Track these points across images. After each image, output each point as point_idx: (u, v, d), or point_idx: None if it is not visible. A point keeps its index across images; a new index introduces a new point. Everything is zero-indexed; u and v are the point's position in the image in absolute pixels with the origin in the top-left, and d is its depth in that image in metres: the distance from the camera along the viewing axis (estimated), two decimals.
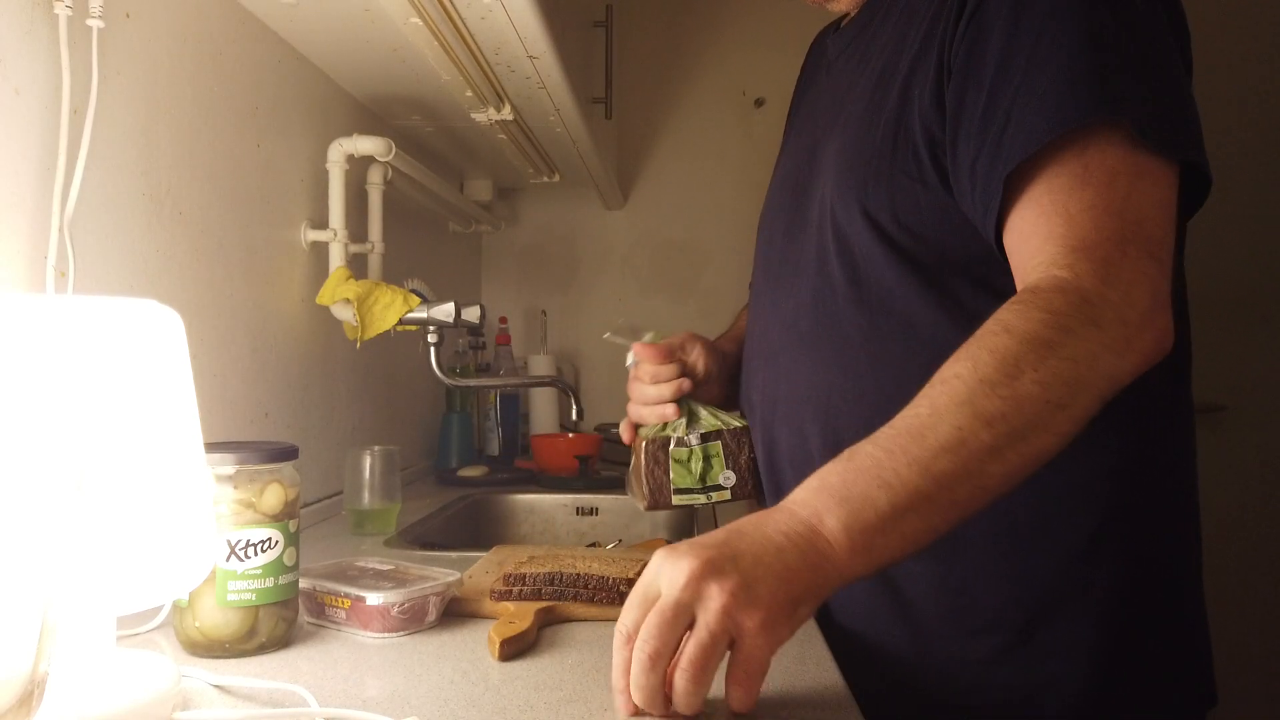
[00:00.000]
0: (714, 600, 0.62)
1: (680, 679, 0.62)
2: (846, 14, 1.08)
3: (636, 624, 0.64)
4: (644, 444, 1.08)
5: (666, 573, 0.63)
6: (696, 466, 1.06)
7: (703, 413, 1.08)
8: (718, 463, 1.06)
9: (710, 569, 0.62)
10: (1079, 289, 0.71)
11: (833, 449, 0.88)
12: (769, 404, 1.01)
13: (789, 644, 0.87)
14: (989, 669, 0.87)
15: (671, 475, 1.07)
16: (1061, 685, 0.86)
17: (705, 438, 1.06)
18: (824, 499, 0.66)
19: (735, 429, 1.06)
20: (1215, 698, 0.92)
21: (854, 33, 1.01)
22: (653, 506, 1.08)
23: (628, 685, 0.64)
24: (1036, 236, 0.76)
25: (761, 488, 1.05)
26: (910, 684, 0.90)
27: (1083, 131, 0.75)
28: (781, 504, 0.69)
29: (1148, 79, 0.77)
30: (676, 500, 1.07)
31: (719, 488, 1.06)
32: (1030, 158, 0.76)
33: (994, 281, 0.82)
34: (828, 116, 1.00)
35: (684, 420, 1.09)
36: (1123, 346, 0.70)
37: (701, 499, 1.07)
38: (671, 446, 1.06)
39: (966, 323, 0.75)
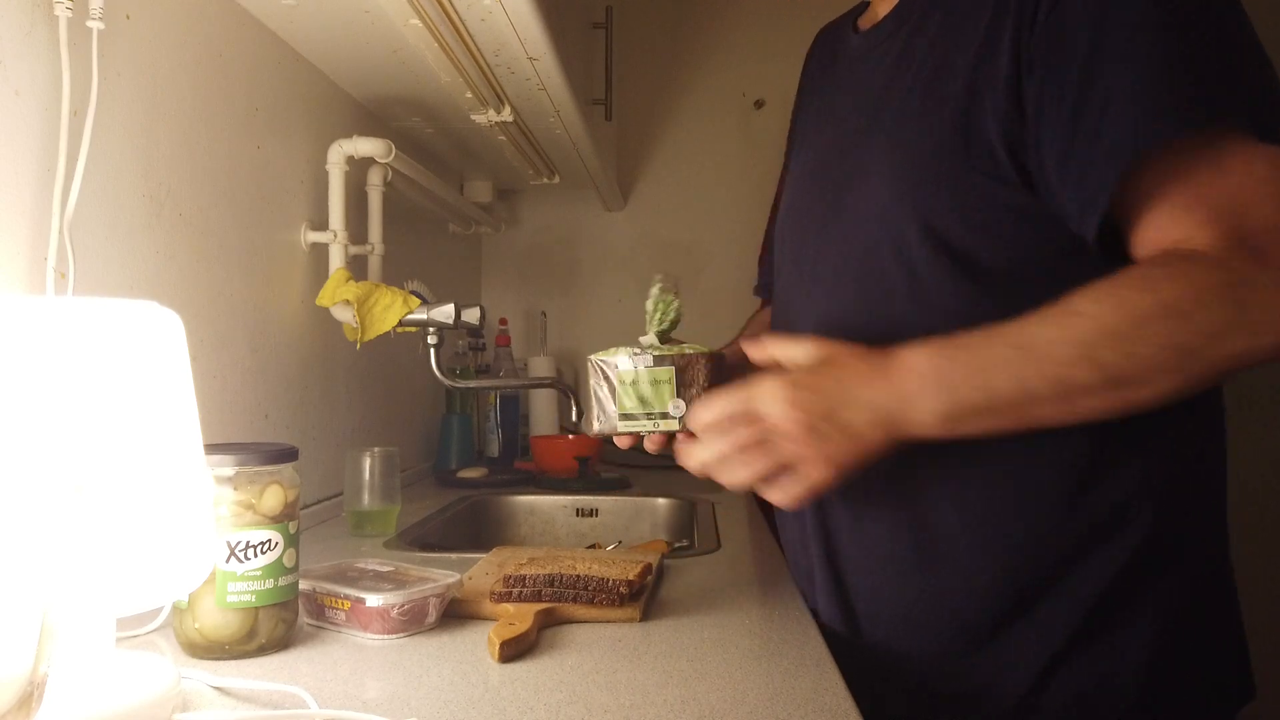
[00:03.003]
0: (803, 464, 0.81)
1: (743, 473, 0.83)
2: (863, 9, 1.07)
3: (720, 420, 0.84)
4: (592, 364, 0.99)
5: (776, 414, 0.81)
6: (644, 391, 0.97)
7: (655, 336, 1.00)
8: (666, 390, 0.96)
9: (809, 437, 0.80)
10: (1230, 268, 0.73)
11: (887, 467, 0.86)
12: None
13: (788, 644, 0.88)
14: (960, 659, 0.89)
15: (617, 400, 0.98)
16: (1015, 676, 0.87)
17: (658, 360, 0.97)
18: (928, 385, 0.78)
19: (690, 355, 0.97)
20: (1253, 691, 0.92)
21: (889, 29, 0.98)
22: (600, 432, 0.99)
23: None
24: (1177, 229, 0.76)
25: None
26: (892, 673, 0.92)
27: (1208, 128, 0.76)
28: (889, 370, 0.80)
29: (1252, 72, 0.78)
30: (622, 427, 0.98)
31: (666, 416, 0.96)
32: (1142, 156, 0.76)
33: (1054, 280, 0.81)
34: (860, 114, 0.97)
35: (645, 340, 1.00)
36: (1263, 329, 0.73)
37: (648, 427, 0.97)
38: (619, 369, 0.97)
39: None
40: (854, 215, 0.94)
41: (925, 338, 0.82)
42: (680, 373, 0.96)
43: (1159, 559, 0.85)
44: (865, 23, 1.06)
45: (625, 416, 0.97)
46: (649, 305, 1.01)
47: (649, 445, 0.97)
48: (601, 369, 0.98)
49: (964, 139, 0.84)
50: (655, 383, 0.96)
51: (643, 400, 0.96)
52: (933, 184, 0.86)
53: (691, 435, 0.90)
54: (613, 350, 0.98)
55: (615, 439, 1.00)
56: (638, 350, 0.97)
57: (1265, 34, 0.89)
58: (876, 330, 0.88)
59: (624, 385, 0.97)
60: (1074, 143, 0.78)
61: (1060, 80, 0.79)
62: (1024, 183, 0.83)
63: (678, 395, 0.96)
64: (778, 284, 1.10)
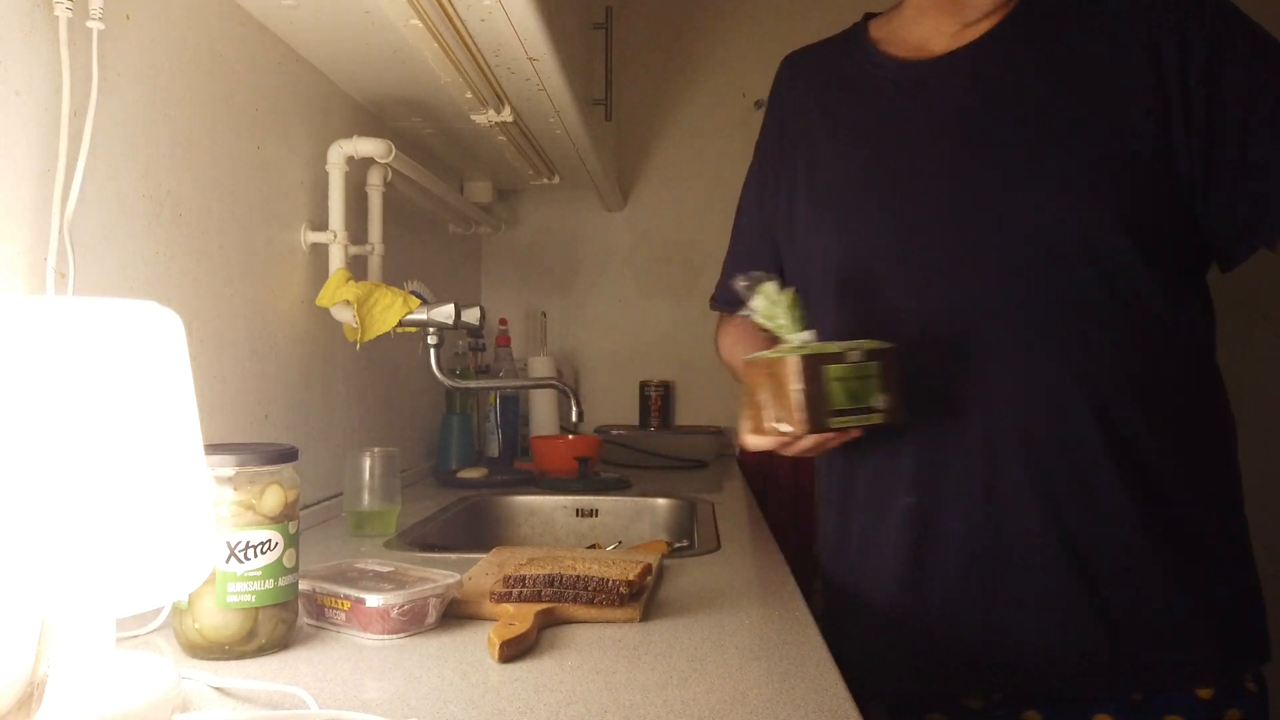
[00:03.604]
0: None
1: None
2: (858, 40, 1.13)
3: None
4: (797, 360, 0.96)
5: None
6: (854, 386, 0.96)
7: (809, 334, 0.99)
8: (874, 384, 0.97)
9: None
10: None
11: (1107, 433, 0.97)
12: (1010, 397, 1.00)
13: (788, 644, 0.88)
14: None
15: (829, 394, 0.96)
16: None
17: (870, 355, 0.97)
18: None
19: (889, 349, 0.98)
20: (1268, 653, 1.01)
21: (975, 55, 1.04)
22: (811, 429, 0.96)
23: None
24: None
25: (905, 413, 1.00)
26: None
27: None
28: None
29: None
30: (833, 423, 0.96)
31: (873, 410, 0.97)
32: None
33: (1191, 265, 1.02)
34: (957, 124, 1.03)
35: (799, 339, 0.99)
36: None
37: (854, 421, 0.97)
38: (839, 364, 0.96)
39: (1185, 302, 1.00)
40: (995, 220, 0.99)
41: (1122, 323, 0.98)
42: (885, 366, 0.97)
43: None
44: (903, 51, 1.10)
45: (837, 413, 0.97)
46: (773, 308, 1.00)
47: (795, 446, 1.00)
48: (808, 366, 0.96)
49: (1139, 146, 0.96)
50: (864, 377, 0.97)
51: (853, 395, 0.96)
52: (1105, 186, 0.97)
53: (891, 426, 0.97)
54: (810, 347, 0.98)
55: (748, 440, 1.01)
56: (853, 346, 0.97)
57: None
58: (1074, 322, 0.98)
59: (837, 382, 0.96)
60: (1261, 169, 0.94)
61: (1245, 108, 0.93)
62: (1168, 191, 0.96)
63: (882, 389, 0.97)
64: (858, 289, 1.09)
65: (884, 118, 1.10)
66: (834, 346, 0.98)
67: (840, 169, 1.13)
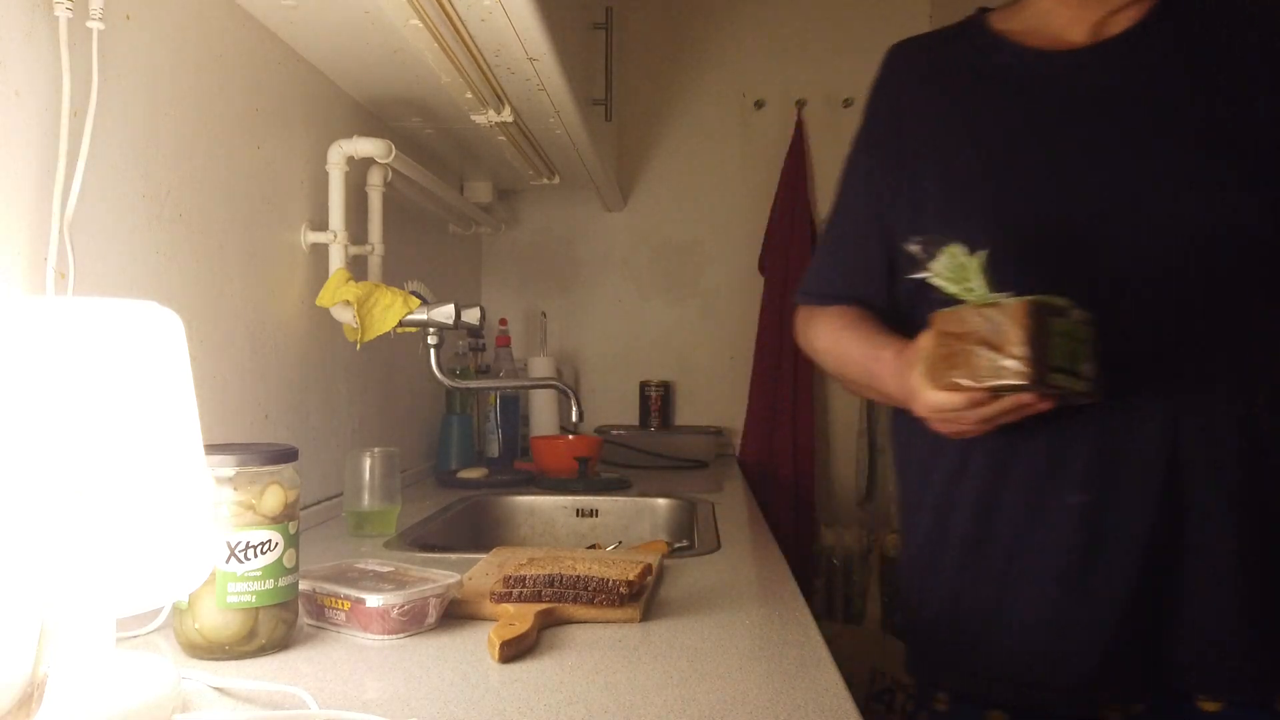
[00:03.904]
0: None
1: None
2: (979, 31, 1.13)
3: None
4: (1030, 304, 0.87)
5: None
6: (1071, 347, 0.88)
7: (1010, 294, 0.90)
8: (1086, 350, 0.88)
9: None
10: None
11: (1249, 421, 0.98)
12: (1190, 392, 0.99)
13: (788, 644, 0.87)
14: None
15: (1051, 348, 0.87)
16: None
17: (1084, 321, 0.89)
18: None
19: (1095, 320, 0.89)
20: None
21: (1125, 44, 1.06)
22: (1034, 380, 0.86)
23: None
24: None
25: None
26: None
27: None
28: None
29: None
30: (1052, 378, 0.87)
31: (1079, 376, 0.88)
32: None
33: None
34: (1106, 116, 1.04)
35: (1007, 296, 0.89)
36: None
37: (1065, 384, 0.88)
38: (1055, 316, 0.88)
39: None
40: (1182, 210, 0.99)
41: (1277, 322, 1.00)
42: (1095, 333, 0.89)
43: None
44: (1038, 42, 1.09)
45: (1055, 369, 0.87)
46: (962, 271, 0.92)
47: (983, 409, 0.92)
48: (1038, 312, 0.87)
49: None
50: (1080, 340, 0.89)
51: (1069, 356, 0.88)
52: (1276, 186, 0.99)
53: (1089, 400, 0.91)
54: (1050, 298, 0.89)
55: (932, 398, 0.92)
56: (1071, 304, 0.89)
57: None
58: (1237, 320, 0.99)
59: (1059, 336, 0.88)
60: None
61: None
62: None
63: (1088, 359, 0.88)
64: (1010, 277, 0.99)
65: (1026, 107, 1.09)
66: (1057, 300, 0.89)
67: (978, 156, 1.10)
